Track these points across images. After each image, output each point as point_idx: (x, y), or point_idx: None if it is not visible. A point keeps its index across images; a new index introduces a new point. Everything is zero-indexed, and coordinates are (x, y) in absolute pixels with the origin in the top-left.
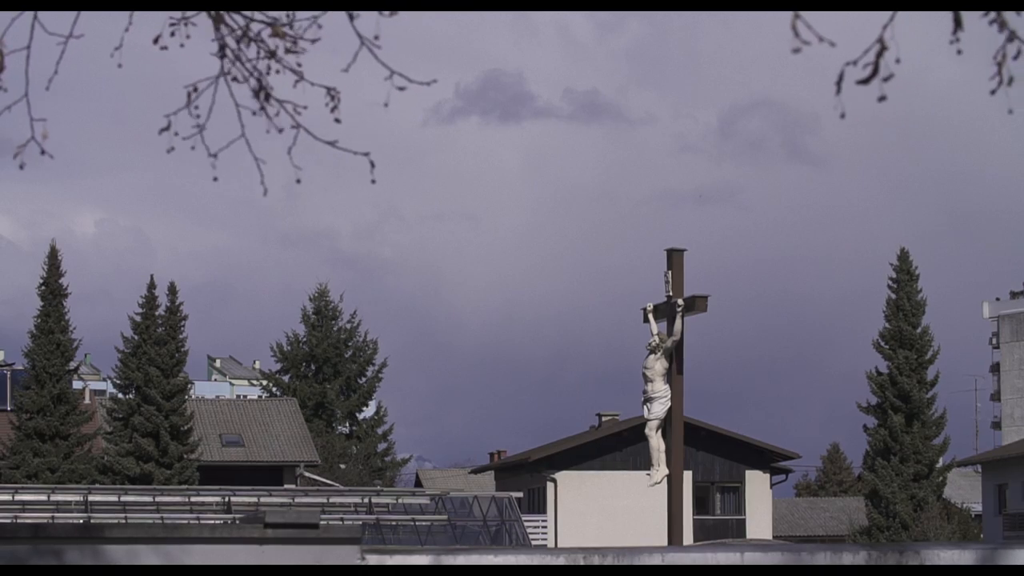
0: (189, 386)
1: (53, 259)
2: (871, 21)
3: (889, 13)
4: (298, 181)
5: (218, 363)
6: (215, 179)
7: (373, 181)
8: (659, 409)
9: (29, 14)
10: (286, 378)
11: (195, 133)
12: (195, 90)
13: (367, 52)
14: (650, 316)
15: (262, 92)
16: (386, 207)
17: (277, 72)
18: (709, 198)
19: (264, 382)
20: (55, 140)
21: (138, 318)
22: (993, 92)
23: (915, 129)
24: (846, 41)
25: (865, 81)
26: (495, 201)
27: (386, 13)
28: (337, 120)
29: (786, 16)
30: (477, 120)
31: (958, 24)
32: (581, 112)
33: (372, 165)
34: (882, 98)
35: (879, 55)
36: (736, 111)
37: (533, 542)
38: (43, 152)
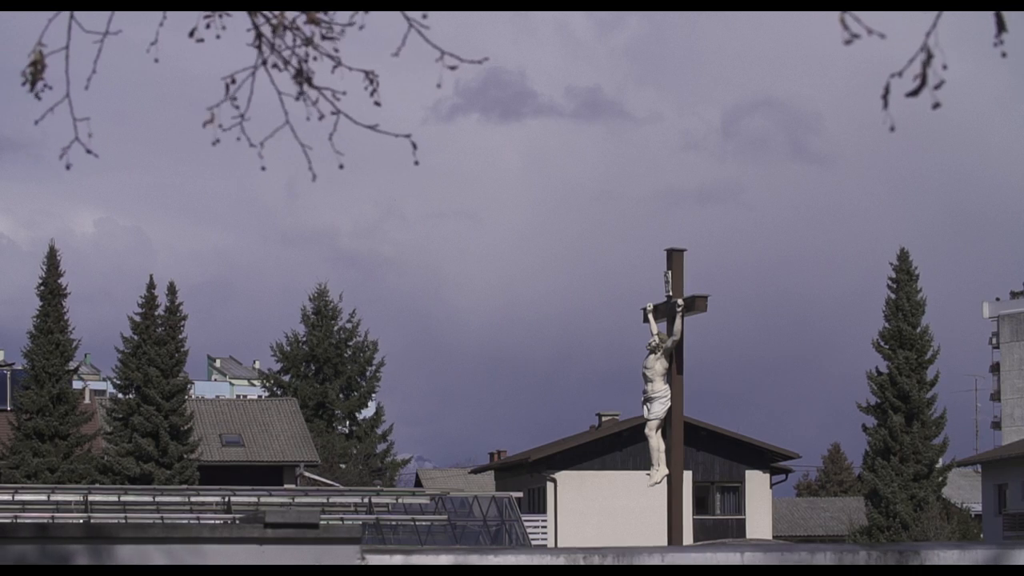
0: (189, 386)
1: (52, 259)
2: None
3: (932, 15)
4: (341, 167)
5: (218, 363)
6: (263, 168)
7: (416, 163)
8: (659, 409)
9: (66, 15)
10: (286, 378)
11: (236, 123)
12: (233, 81)
13: (356, 55)
14: (650, 316)
15: (302, 76)
16: (387, 205)
17: (315, 59)
18: (711, 196)
19: (264, 382)
20: (54, 138)
21: (138, 318)
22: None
23: (917, 129)
24: (858, 46)
25: (914, 93)
26: (496, 200)
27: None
28: (377, 103)
29: (787, 16)
30: (478, 118)
31: (1001, 27)
32: (582, 110)
33: (414, 147)
34: (936, 105)
35: (926, 64)
36: (739, 110)
37: (533, 542)
38: (88, 151)
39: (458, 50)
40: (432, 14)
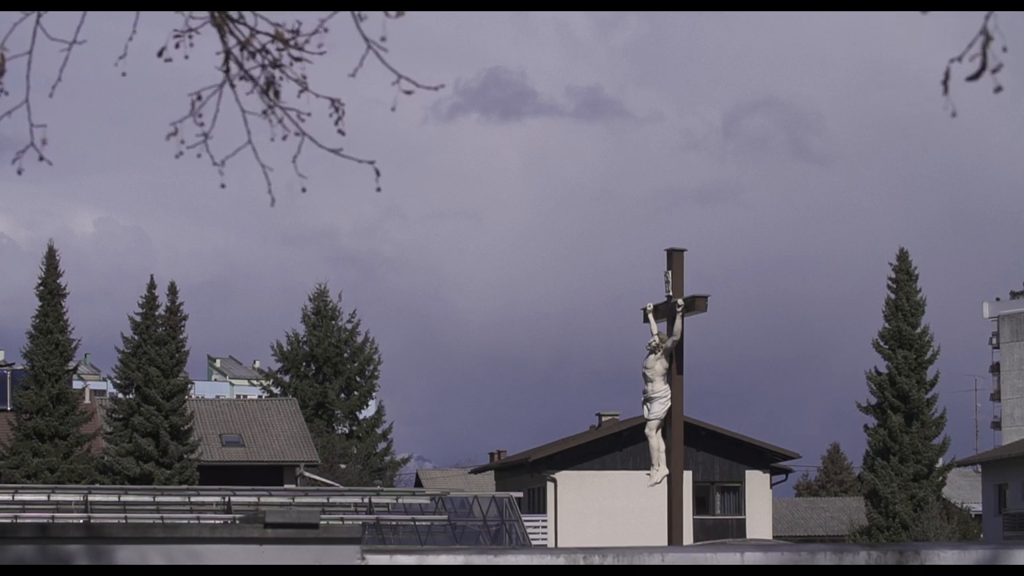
0: (189, 386)
1: (51, 259)
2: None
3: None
4: (303, 190)
5: (218, 363)
6: (223, 186)
7: (379, 189)
8: (659, 409)
9: (32, 19)
10: (286, 378)
11: (200, 141)
12: (199, 98)
13: (369, 54)
14: (650, 316)
15: (271, 89)
16: (387, 205)
17: (281, 79)
18: (711, 196)
19: (264, 382)
20: (55, 139)
21: (138, 318)
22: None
23: (917, 129)
24: (862, 46)
25: (975, 77)
26: (496, 199)
27: (392, 14)
28: (341, 132)
29: (787, 16)
30: (478, 117)
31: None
32: (583, 109)
33: (377, 173)
34: (998, 89)
35: (985, 46)
36: (740, 109)
37: (533, 542)
38: (41, 158)
39: (459, 50)
40: (432, 14)
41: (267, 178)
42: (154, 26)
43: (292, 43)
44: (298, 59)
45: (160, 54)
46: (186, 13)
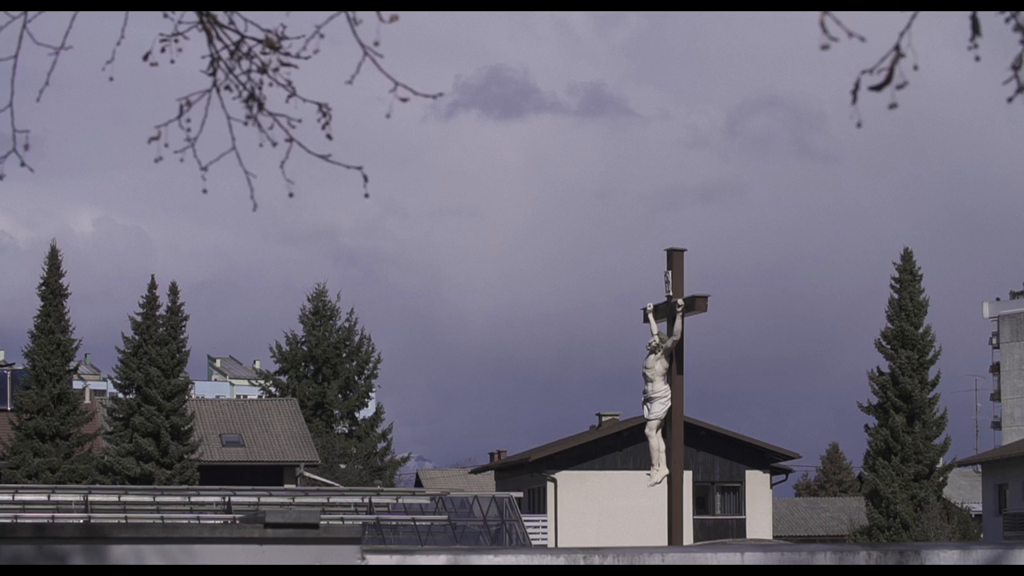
0: (189, 386)
1: (53, 259)
2: (890, 22)
3: (908, 15)
4: (290, 195)
5: (218, 363)
6: (204, 191)
7: (367, 195)
8: (659, 409)
9: (17, 24)
10: (285, 378)
11: (186, 147)
12: (188, 104)
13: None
14: (650, 316)
15: (254, 102)
16: (388, 203)
17: (270, 86)
18: (714, 195)
19: (263, 382)
20: (55, 138)
21: (139, 318)
22: (1010, 100)
23: (920, 129)
24: (863, 44)
25: (878, 87)
26: (497, 197)
27: (386, 18)
28: (329, 137)
29: (790, 14)
30: (478, 114)
31: (976, 31)
32: (585, 107)
33: (365, 179)
34: (892, 105)
35: (895, 62)
36: (743, 108)
37: (533, 542)
38: (23, 164)
39: (459, 48)
40: (431, 14)
41: (250, 184)
42: (153, 25)
43: (280, 49)
44: (286, 64)
45: (146, 58)
46: (175, 14)
